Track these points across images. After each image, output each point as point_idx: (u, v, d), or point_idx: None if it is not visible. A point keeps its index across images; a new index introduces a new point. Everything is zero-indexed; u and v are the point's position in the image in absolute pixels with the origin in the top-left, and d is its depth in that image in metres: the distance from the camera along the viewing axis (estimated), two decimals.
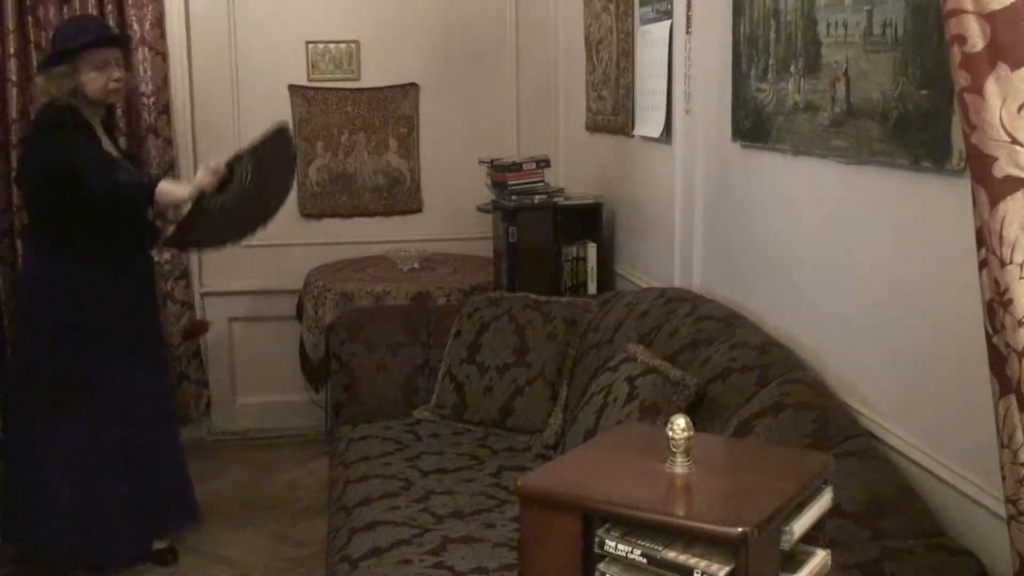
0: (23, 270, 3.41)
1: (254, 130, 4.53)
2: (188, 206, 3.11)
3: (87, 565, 3.36)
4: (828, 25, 2.25)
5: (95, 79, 3.20)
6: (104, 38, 3.29)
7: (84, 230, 3.21)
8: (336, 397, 3.56)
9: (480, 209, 4.32)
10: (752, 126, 2.70)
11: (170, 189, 3.13)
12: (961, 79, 1.16)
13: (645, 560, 1.27)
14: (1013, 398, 1.17)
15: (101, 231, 3.23)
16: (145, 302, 3.47)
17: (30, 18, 4.29)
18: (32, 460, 3.29)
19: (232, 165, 3.03)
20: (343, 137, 4.72)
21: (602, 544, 1.31)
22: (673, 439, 1.38)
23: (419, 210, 4.84)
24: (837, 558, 1.47)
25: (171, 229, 3.49)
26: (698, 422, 2.06)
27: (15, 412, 3.40)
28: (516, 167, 3.97)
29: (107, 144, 3.34)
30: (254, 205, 3.20)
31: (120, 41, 3.44)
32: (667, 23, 3.28)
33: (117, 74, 3.25)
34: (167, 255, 4.24)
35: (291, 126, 3.16)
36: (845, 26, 2.17)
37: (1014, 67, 1.12)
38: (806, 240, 2.48)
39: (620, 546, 1.29)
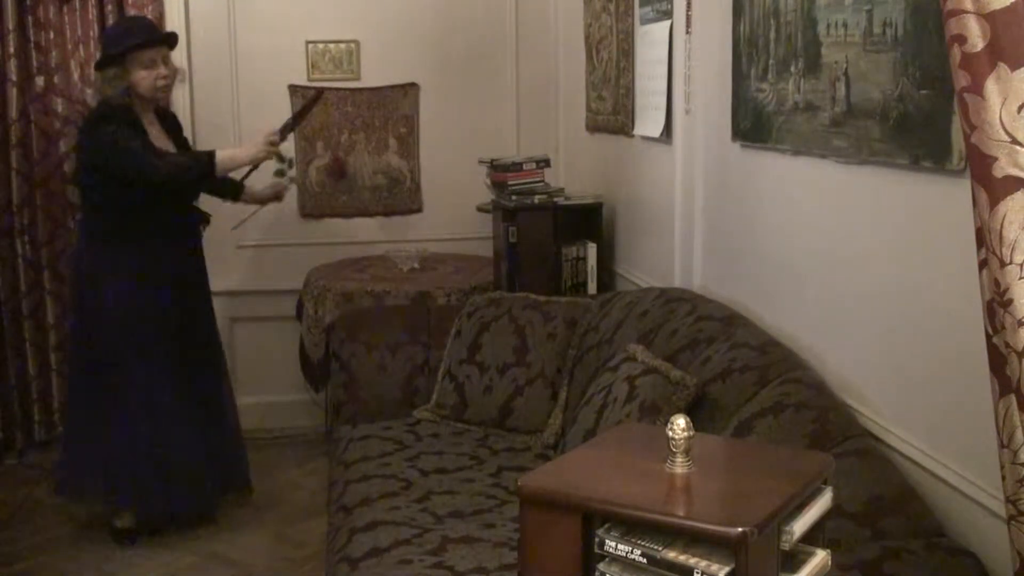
0: (81, 255, 3.63)
1: (254, 130, 4.58)
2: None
3: (156, 513, 3.60)
4: (828, 25, 2.25)
5: (144, 78, 3.42)
6: (149, 39, 3.46)
7: (136, 214, 3.46)
8: (336, 397, 3.56)
9: (480, 209, 4.32)
10: (752, 126, 2.70)
11: (230, 156, 3.50)
12: (961, 79, 1.16)
13: (645, 560, 1.27)
14: (1013, 398, 1.17)
15: (152, 214, 3.47)
16: (197, 271, 3.71)
17: (30, 18, 4.29)
18: (100, 417, 3.50)
19: (283, 132, 3.62)
20: (343, 137, 4.72)
21: (602, 544, 1.31)
22: (673, 439, 1.37)
23: (419, 210, 4.84)
24: (837, 558, 1.46)
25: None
26: (698, 422, 2.06)
27: (81, 376, 3.61)
28: (516, 167, 3.97)
29: (156, 137, 3.49)
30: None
31: (167, 40, 3.55)
32: (667, 23, 3.28)
33: (164, 71, 3.45)
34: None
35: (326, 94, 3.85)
36: (845, 26, 2.17)
37: (1014, 67, 1.12)
38: (806, 240, 2.48)
39: (620, 546, 1.29)
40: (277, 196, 3.91)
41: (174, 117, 3.78)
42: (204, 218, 3.75)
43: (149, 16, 4.29)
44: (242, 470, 3.84)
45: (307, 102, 3.82)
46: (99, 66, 3.49)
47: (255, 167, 3.67)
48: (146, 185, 3.37)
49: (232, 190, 3.81)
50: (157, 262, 3.50)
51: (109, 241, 3.49)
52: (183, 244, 3.63)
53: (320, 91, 3.92)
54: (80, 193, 3.72)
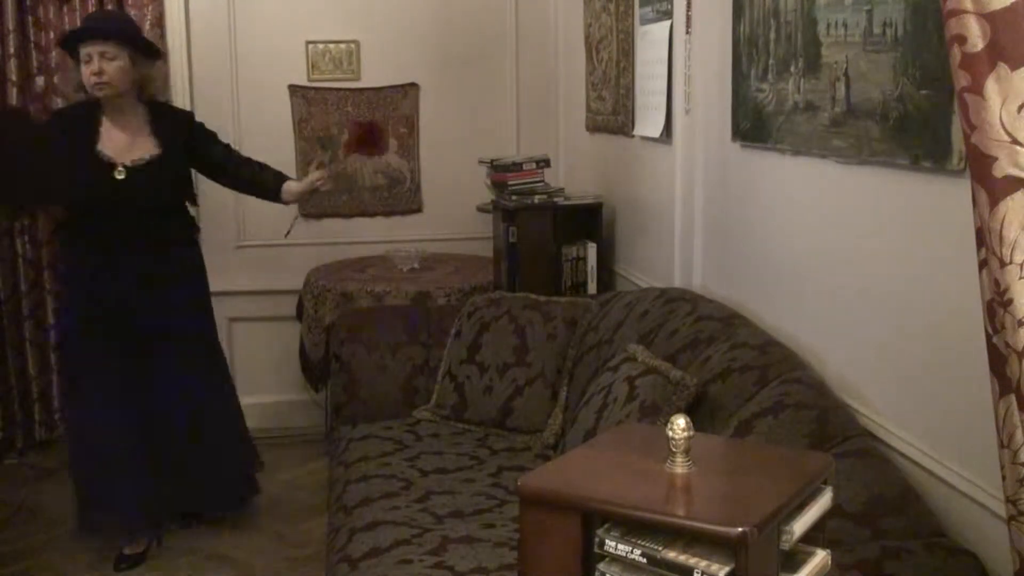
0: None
1: (254, 129, 4.58)
2: None
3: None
4: (828, 25, 2.25)
5: (84, 74, 3.29)
6: (73, 35, 3.37)
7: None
8: (336, 397, 3.56)
9: (480, 209, 4.32)
10: (752, 126, 2.70)
11: None
12: (961, 79, 1.16)
13: (645, 560, 1.27)
14: (1013, 398, 1.17)
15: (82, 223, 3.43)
16: (148, 297, 3.44)
17: (30, 18, 4.30)
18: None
19: None
20: (343, 137, 4.72)
21: (602, 544, 1.31)
22: (673, 439, 1.37)
23: (419, 210, 4.84)
24: (837, 558, 1.46)
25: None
26: (698, 422, 2.06)
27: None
28: (516, 167, 3.97)
29: (114, 139, 3.36)
30: None
31: (100, 35, 3.29)
32: (667, 23, 3.28)
33: (95, 68, 3.25)
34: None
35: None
36: (845, 26, 2.17)
37: (1014, 67, 1.12)
38: (806, 240, 2.48)
39: (620, 546, 1.29)
40: (312, 187, 3.74)
41: (173, 116, 3.57)
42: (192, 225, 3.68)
43: (149, 16, 4.30)
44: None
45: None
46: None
47: None
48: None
49: (272, 190, 3.73)
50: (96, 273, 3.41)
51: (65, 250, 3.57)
52: (122, 265, 3.41)
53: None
54: None
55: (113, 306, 3.37)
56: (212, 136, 3.64)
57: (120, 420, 3.38)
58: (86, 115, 3.35)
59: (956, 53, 1.16)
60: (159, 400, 3.44)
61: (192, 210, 3.73)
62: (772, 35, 2.54)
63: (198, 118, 3.61)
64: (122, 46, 3.30)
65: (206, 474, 3.58)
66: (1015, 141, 1.12)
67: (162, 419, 3.45)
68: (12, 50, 4.24)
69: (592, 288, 3.89)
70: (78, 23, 4.32)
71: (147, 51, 3.40)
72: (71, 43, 3.32)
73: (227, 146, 3.69)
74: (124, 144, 3.38)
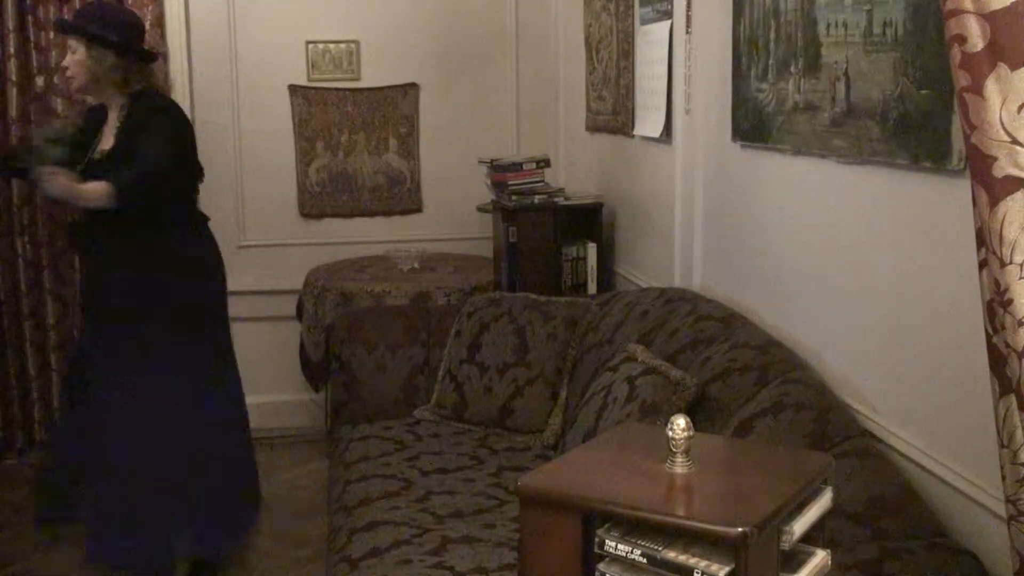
0: None
1: (254, 129, 4.59)
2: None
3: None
4: (828, 25, 2.25)
5: None
6: (56, 25, 3.36)
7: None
8: (336, 397, 3.56)
9: (480, 209, 4.32)
10: (752, 126, 2.70)
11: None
12: (961, 79, 1.16)
13: (645, 560, 1.27)
14: (1013, 398, 1.17)
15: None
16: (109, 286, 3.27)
17: (30, 18, 4.29)
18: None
19: None
20: (343, 137, 4.72)
21: (602, 544, 1.31)
22: (673, 439, 1.37)
23: (419, 210, 4.84)
24: (837, 558, 1.46)
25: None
26: (698, 422, 2.06)
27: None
28: (516, 167, 3.97)
29: (103, 134, 3.27)
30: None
31: (59, 28, 3.31)
32: (667, 23, 3.28)
33: (64, 62, 3.24)
34: None
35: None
36: (845, 26, 2.17)
37: (1014, 67, 1.12)
38: (806, 240, 2.48)
39: (620, 546, 1.29)
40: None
41: (143, 111, 3.24)
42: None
43: (149, 16, 4.29)
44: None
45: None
46: None
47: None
48: None
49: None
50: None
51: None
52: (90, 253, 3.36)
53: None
54: None
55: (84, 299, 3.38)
56: (150, 138, 3.17)
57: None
58: (100, 109, 3.33)
59: (956, 53, 1.16)
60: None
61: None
62: (772, 35, 2.54)
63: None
64: (78, 39, 3.18)
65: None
66: (1015, 141, 1.12)
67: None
68: (12, 50, 4.24)
69: (592, 288, 3.89)
70: None
71: (103, 43, 3.17)
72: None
73: (145, 158, 3.13)
74: (103, 138, 3.27)
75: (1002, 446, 1.20)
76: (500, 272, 4.02)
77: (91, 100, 3.38)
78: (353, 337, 3.56)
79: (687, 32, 3.11)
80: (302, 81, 4.64)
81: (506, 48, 4.77)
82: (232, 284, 4.56)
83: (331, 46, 4.66)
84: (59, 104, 4.35)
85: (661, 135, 3.38)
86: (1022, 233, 1.13)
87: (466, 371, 3.32)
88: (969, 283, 1.43)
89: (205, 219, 3.46)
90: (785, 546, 1.32)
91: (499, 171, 3.98)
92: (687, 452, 1.38)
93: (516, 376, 3.25)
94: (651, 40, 3.46)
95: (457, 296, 3.95)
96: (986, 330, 1.20)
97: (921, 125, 1.91)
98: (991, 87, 1.13)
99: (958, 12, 1.15)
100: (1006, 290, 1.15)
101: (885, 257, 2.12)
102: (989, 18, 1.12)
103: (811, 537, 1.39)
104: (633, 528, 1.30)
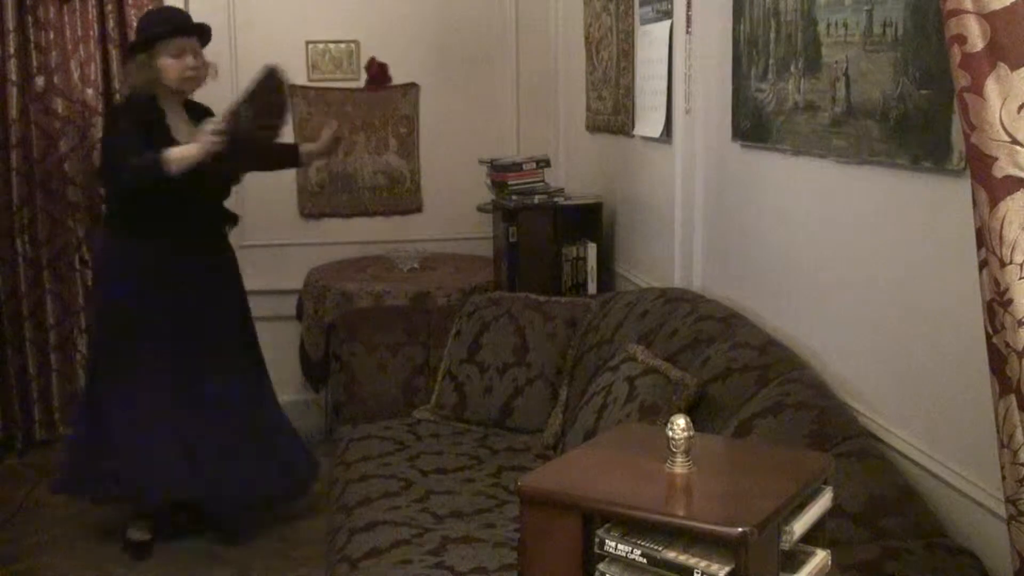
0: (99, 249, 3.67)
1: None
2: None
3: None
4: (828, 25, 2.25)
5: (171, 67, 3.36)
6: (178, 27, 3.41)
7: (151, 212, 3.38)
8: (336, 397, 3.57)
9: (480, 209, 4.32)
10: (752, 126, 2.70)
11: (178, 155, 3.22)
12: (961, 79, 1.16)
13: (645, 560, 1.27)
14: (1013, 398, 1.17)
15: (168, 213, 3.39)
16: (215, 272, 3.58)
17: (30, 18, 4.30)
18: (95, 414, 3.49)
19: (232, 118, 3.24)
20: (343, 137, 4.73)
21: (602, 544, 1.31)
22: (673, 439, 1.37)
23: (419, 210, 4.84)
24: (837, 558, 1.46)
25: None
26: (698, 422, 2.06)
27: (90, 376, 3.66)
28: (516, 167, 3.97)
29: (181, 131, 3.40)
30: (257, 141, 3.44)
31: (197, 31, 3.47)
32: (667, 23, 3.28)
33: (191, 62, 3.39)
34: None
35: (278, 67, 3.32)
36: (845, 26, 2.17)
37: (1014, 67, 1.12)
38: (806, 240, 2.48)
39: (620, 546, 1.29)
40: (332, 147, 3.85)
41: (206, 111, 3.57)
42: (231, 218, 3.67)
43: None
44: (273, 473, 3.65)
45: (259, 81, 3.30)
46: (130, 51, 3.47)
47: (236, 166, 3.50)
48: (118, 188, 3.40)
49: (289, 159, 3.80)
50: (166, 262, 3.42)
51: (120, 236, 3.46)
52: (199, 245, 3.53)
53: (271, 68, 3.32)
54: (103, 186, 3.73)
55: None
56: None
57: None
58: (150, 114, 3.38)
59: (956, 53, 1.16)
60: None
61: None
62: (772, 35, 2.54)
63: None
64: (198, 41, 3.46)
65: (269, 461, 3.62)
66: (1015, 141, 1.13)
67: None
68: (12, 50, 4.24)
69: (592, 288, 3.89)
70: (78, 23, 4.34)
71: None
72: (156, 37, 3.35)
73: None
74: (186, 133, 3.40)
75: (1002, 446, 1.20)
76: (500, 272, 4.02)
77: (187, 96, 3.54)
78: (353, 337, 3.56)
79: (687, 32, 3.11)
80: (302, 81, 4.64)
81: (506, 48, 4.77)
82: None
83: (331, 46, 4.66)
84: (59, 104, 4.36)
85: (661, 135, 3.38)
86: (1022, 233, 1.13)
87: (466, 371, 3.32)
88: (969, 283, 1.43)
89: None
90: (785, 546, 1.32)
91: (499, 171, 3.98)
92: (687, 452, 1.38)
93: (516, 376, 3.25)
94: (651, 40, 3.46)
95: (457, 296, 3.95)
96: (986, 330, 1.20)
97: (921, 125, 1.91)
98: (991, 87, 1.13)
99: (958, 12, 1.15)
100: (1006, 290, 1.15)
101: (885, 257, 2.12)
102: (989, 18, 1.12)
103: (811, 537, 1.39)
104: (633, 528, 1.30)
